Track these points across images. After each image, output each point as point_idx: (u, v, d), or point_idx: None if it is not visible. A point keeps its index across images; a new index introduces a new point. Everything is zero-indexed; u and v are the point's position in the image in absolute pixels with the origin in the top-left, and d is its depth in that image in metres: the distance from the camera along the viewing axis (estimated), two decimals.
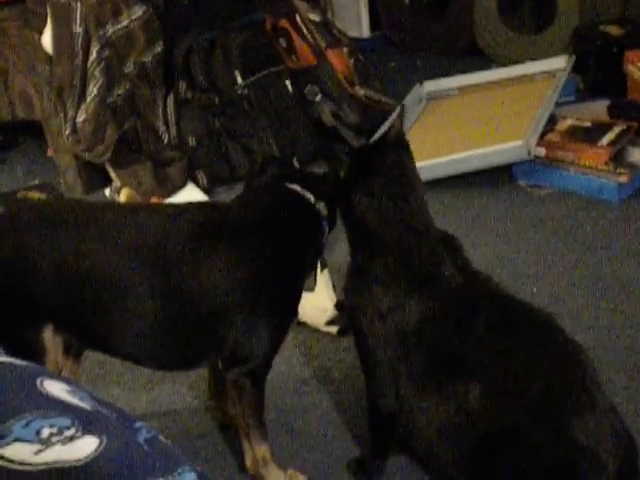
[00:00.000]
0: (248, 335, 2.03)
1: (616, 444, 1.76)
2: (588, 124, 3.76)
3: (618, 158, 3.52)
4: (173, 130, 3.89)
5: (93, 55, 3.52)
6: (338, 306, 2.73)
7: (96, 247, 1.99)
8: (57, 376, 1.16)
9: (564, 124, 3.79)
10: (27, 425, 0.99)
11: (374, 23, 5.64)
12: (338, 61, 4.19)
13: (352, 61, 4.30)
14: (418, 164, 2.16)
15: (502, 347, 1.88)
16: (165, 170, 3.78)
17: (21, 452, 0.97)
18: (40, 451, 0.97)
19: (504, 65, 4.53)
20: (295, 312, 2.21)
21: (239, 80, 3.87)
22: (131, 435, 1.09)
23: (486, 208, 3.51)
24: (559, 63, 4.22)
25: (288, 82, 4.05)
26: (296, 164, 3.80)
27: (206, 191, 3.84)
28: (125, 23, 3.61)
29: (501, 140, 3.61)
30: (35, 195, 3.91)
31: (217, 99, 3.88)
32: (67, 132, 3.67)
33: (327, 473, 2.24)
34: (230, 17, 4.05)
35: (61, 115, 3.72)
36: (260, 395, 2.12)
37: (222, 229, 2.07)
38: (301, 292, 2.17)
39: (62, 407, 1.05)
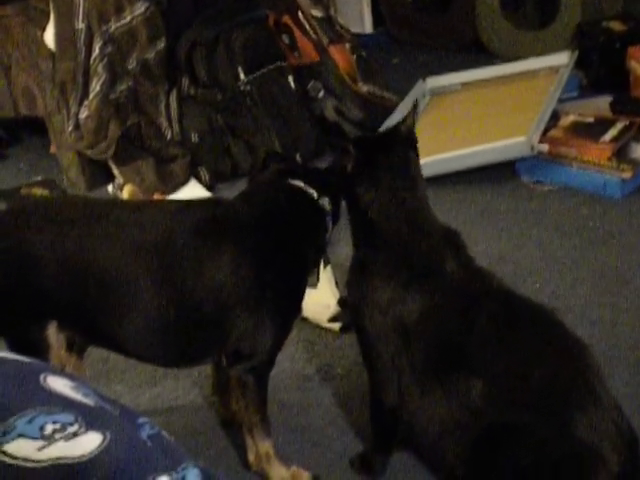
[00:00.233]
0: (252, 331, 2.03)
1: (619, 440, 1.76)
2: (591, 120, 3.75)
3: (621, 154, 3.51)
4: (176, 126, 3.89)
5: (96, 51, 3.52)
6: (341, 303, 2.73)
7: (100, 244, 1.98)
8: (60, 372, 1.16)
9: (567, 120, 3.78)
10: (30, 421, 1.00)
11: (377, 19, 5.64)
12: (341, 57, 4.19)
13: (355, 57, 4.30)
14: (421, 160, 2.16)
15: (504, 343, 1.88)
16: (168, 166, 3.78)
17: (24, 448, 0.97)
18: (44, 447, 0.98)
19: (507, 61, 4.52)
20: (299, 309, 2.21)
21: (242, 76, 3.87)
22: (134, 431, 1.09)
23: (489, 204, 3.51)
24: (562, 59, 4.21)
25: (291, 78, 4.05)
26: (299, 160, 3.80)
27: (208, 187, 3.84)
28: (128, 19, 3.61)
29: (504, 136, 3.61)
30: (38, 191, 3.91)
31: (220, 95, 3.88)
32: (70, 128, 3.67)
33: (330, 469, 2.24)
34: (233, 13, 4.04)
35: (64, 111, 3.72)
36: (263, 391, 2.12)
37: (225, 226, 2.07)
38: (305, 289, 2.17)
39: (65, 403, 1.05)
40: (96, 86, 3.54)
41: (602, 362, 1.93)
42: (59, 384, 1.09)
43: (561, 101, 3.94)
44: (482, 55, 4.99)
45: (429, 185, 2.15)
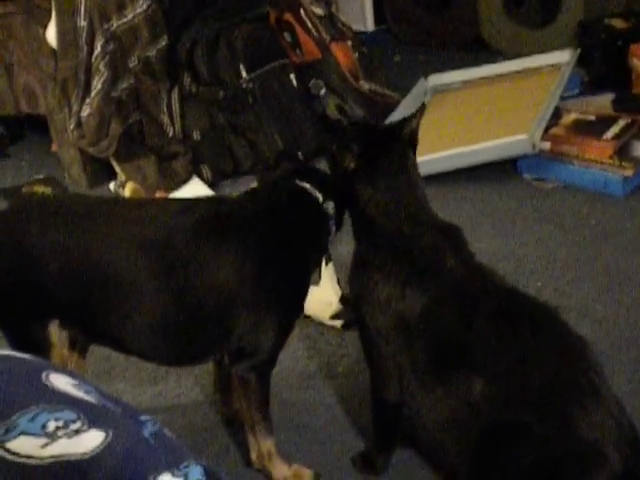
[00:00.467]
0: (254, 330, 2.03)
1: (620, 437, 1.76)
2: (593, 118, 3.75)
3: (623, 152, 3.52)
4: (177, 124, 3.89)
5: (97, 49, 3.52)
6: (343, 300, 2.74)
7: (102, 242, 1.98)
8: (62, 369, 1.16)
9: (569, 118, 3.78)
10: (33, 419, 1.00)
11: (378, 17, 5.64)
12: (342, 55, 4.19)
13: (356, 55, 4.31)
14: (422, 158, 2.16)
15: (506, 340, 1.88)
16: (170, 164, 3.78)
17: (27, 446, 0.97)
18: (46, 445, 0.97)
19: (509, 59, 4.53)
20: (301, 308, 2.21)
21: (243, 74, 3.87)
22: (136, 429, 1.09)
23: (491, 202, 3.51)
24: (564, 57, 4.21)
25: (292, 76, 4.05)
26: (301, 158, 3.80)
27: (210, 185, 3.84)
28: (129, 17, 3.61)
29: (506, 134, 3.61)
30: (40, 189, 3.92)
31: (221, 93, 3.88)
32: (72, 126, 3.67)
33: (332, 467, 2.24)
34: (234, 11, 4.05)
35: (65, 109, 3.72)
36: (265, 389, 2.12)
37: (228, 224, 2.06)
38: (307, 288, 2.17)
39: (68, 401, 1.05)
40: (98, 84, 3.54)
41: (604, 360, 1.93)
42: (61, 382, 1.09)
43: (563, 99, 3.95)
44: (484, 53, 4.99)
45: (431, 183, 2.16)
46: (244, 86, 3.87)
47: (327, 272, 2.70)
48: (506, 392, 1.83)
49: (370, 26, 5.63)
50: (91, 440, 1.00)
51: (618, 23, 4.40)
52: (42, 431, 0.99)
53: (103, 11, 3.53)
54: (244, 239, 2.03)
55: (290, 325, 2.14)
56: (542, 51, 4.37)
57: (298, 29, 4.18)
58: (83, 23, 3.51)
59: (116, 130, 3.65)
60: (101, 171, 3.96)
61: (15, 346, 2.02)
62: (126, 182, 3.76)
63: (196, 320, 2.02)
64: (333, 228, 2.19)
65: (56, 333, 2.04)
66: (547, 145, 3.59)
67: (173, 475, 1.04)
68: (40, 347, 2.01)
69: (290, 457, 2.22)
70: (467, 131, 3.81)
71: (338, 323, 2.77)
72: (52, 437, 0.98)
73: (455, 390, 1.88)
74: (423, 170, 2.18)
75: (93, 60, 3.54)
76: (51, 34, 3.62)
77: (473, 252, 2.07)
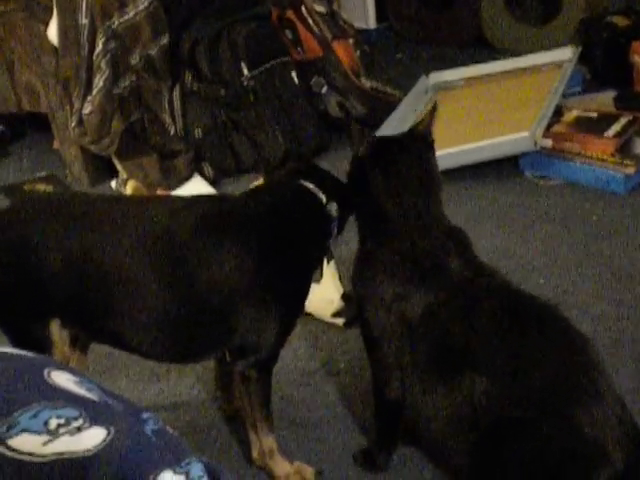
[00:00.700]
0: (256, 327, 2.03)
1: (623, 435, 1.76)
2: (594, 115, 3.75)
3: (624, 149, 3.51)
4: (179, 122, 3.89)
5: (99, 47, 3.52)
6: (344, 298, 2.74)
7: (103, 240, 1.98)
8: (64, 367, 1.17)
9: (570, 115, 3.78)
10: (35, 416, 1.00)
11: (380, 14, 5.63)
12: (344, 52, 4.19)
13: (358, 52, 4.30)
14: None
15: (508, 339, 1.88)
16: (171, 162, 3.78)
17: (29, 443, 0.97)
18: (48, 442, 0.98)
19: (510, 56, 4.52)
20: (302, 306, 2.21)
21: (245, 72, 3.87)
22: (138, 426, 1.09)
23: (492, 199, 3.51)
24: (565, 54, 4.21)
25: (294, 74, 4.04)
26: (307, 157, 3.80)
27: (212, 183, 3.84)
28: (131, 15, 3.60)
29: (507, 131, 3.60)
30: (41, 187, 3.92)
31: (223, 91, 3.88)
32: (73, 124, 3.67)
33: (334, 465, 2.24)
34: (236, 9, 4.04)
35: (67, 107, 3.72)
36: (267, 386, 2.12)
37: (231, 222, 2.06)
38: (309, 287, 2.17)
39: (70, 398, 1.05)
40: (99, 82, 3.54)
41: (606, 357, 1.93)
42: (63, 379, 1.09)
43: (564, 96, 3.94)
44: (485, 50, 4.99)
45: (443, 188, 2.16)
46: (246, 84, 3.87)
47: (329, 270, 2.70)
48: (508, 390, 1.83)
49: (372, 24, 5.62)
50: (93, 437, 1.00)
51: (620, 21, 4.39)
52: (44, 428, 0.99)
53: (105, 9, 3.52)
54: (246, 237, 2.03)
55: (292, 323, 2.14)
56: (544, 49, 4.37)
57: (300, 27, 4.18)
58: (84, 21, 3.51)
59: (118, 128, 3.65)
60: (103, 169, 3.96)
61: (16, 345, 2.01)
62: (127, 180, 3.76)
63: (197, 318, 2.02)
64: (335, 230, 2.19)
65: (57, 332, 2.04)
66: (549, 142, 3.59)
67: (174, 472, 1.04)
68: (41, 346, 2.00)
69: (291, 454, 2.22)
70: (469, 129, 3.81)
71: (340, 321, 2.77)
72: (54, 434, 0.99)
73: (457, 389, 1.88)
74: None
75: (94, 58, 3.53)
76: (52, 31, 3.62)
77: (476, 254, 2.06)
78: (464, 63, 4.50)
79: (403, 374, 2.00)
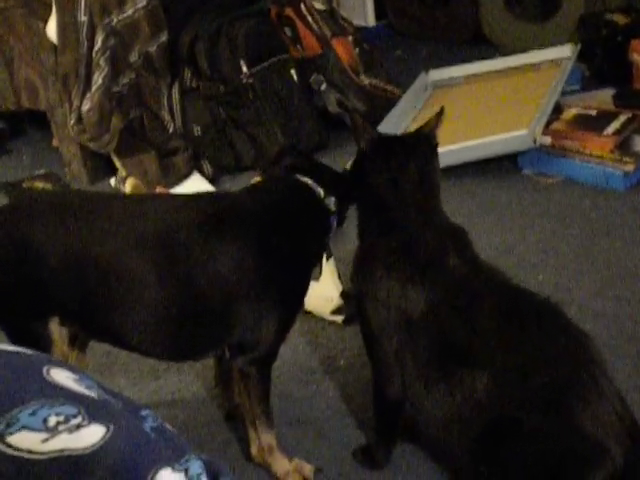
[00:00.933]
0: (255, 324, 2.03)
1: (622, 432, 1.76)
2: (593, 113, 3.75)
3: (623, 147, 3.51)
4: (178, 119, 3.89)
5: (98, 44, 3.52)
6: (344, 295, 2.74)
7: (102, 238, 1.98)
8: (63, 364, 1.16)
9: (569, 113, 3.78)
10: (34, 413, 1.00)
11: (379, 12, 5.63)
12: (343, 50, 4.19)
13: (357, 50, 4.30)
14: None
15: (508, 336, 1.88)
16: (170, 159, 3.78)
17: (28, 440, 0.97)
18: (47, 439, 0.98)
19: (509, 54, 4.52)
20: (302, 303, 2.21)
21: (244, 69, 3.87)
22: (137, 423, 1.09)
23: (491, 197, 3.51)
24: (564, 52, 4.21)
25: (293, 71, 4.04)
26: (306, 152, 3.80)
27: (211, 180, 3.84)
28: (130, 12, 3.60)
29: (506, 129, 3.61)
30: (40, 185, 3.91)
31: (222, 88, 3.88)
32: (72, 122, 3.67)
33: (333, 462, 2.24)
34: (235, 6, 4.04)
35: (66, 104, 3.72)
36: (266, 383, 2.12)
37: (229, 219, 2.06)
38: (308, 283, 2.17)
39: (69, 395, 1.05)
40: (98, 79, 3.54)
41: (605, 354, 1.92)
42: (62, 376, 1.09)
43: (564, 94, 3.95)
44: (484, 48, 4.99)
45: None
46: (245, 81, 3.87)
47: (328, 267, 2.69)
48: (509, 387, 1.83)
49: (371, 21, 5.63)
50: (92, 435, 1.00)
51: (619, 18, 4.39)
52: (43, 426, 0.99)
53: (104, 6, 3.53)
54: (245, 234, 2.03)
55: (291, 320, 2.14)
56: (543, 46, 4.37)
57: (299, 24, 4.18)
58: (83, 18, 3.51)
59: (117, 125, 3.65)
60: (102, 166, 3.96)
61: (15, 343, 2.01)
62: (127, 177, 3.76)
63: (197, 316, 2.02)
64: (334, 224, 2.19)
65: (56, 329, 2.03)
66: (548, 140, 3.59)
67: (173, 469, 1.04)
68: (40, 344, 2.00)
69: (291, 451, 2.22)
70: (468, 126, 3.81)
71: (339, 318, 2.77)
72: (53, 432, 0.99)
73: (458, 386, 1.88)
74: None
75: (94, 55, 3.54)
76: (51, 29, 3.62)
77: (476, 252, 2.07)
78: (463, 61, 4.50)
79: (403, 371, 2.00)
